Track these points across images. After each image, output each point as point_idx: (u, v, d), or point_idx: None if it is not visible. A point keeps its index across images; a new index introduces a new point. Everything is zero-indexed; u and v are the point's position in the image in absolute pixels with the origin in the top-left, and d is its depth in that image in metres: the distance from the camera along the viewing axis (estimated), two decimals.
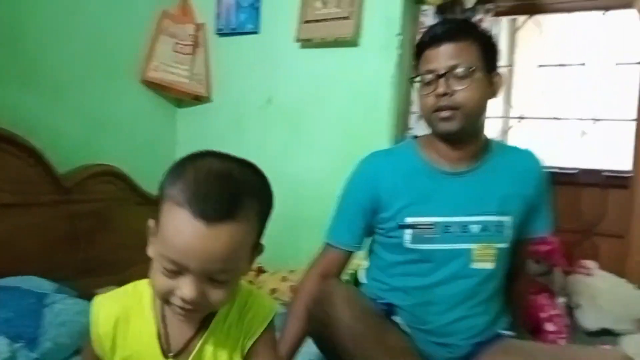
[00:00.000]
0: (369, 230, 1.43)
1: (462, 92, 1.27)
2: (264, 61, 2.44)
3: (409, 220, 1.34)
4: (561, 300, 1.87)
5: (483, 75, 1.30)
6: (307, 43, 2.30)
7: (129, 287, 0.93)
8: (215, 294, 0.80)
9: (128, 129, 2.38)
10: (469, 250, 1.33)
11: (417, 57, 1.36)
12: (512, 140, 2.36)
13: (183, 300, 0.79)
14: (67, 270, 1.79)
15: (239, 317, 0.91)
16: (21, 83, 1.91)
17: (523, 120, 2.20)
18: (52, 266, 1.73)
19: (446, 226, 1.32)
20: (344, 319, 1.19)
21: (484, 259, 1.33)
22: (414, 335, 1.37)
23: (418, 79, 1.35)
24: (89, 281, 1.71)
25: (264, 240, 0.87)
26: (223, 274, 0.79)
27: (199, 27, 2.55)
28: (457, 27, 1.33)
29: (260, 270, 2.34)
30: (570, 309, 1.85)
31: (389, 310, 1.38)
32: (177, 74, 2.47)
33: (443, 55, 1.28)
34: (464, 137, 1.33)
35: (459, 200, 1.33)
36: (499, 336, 1.39)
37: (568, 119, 2.10)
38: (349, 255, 1.44)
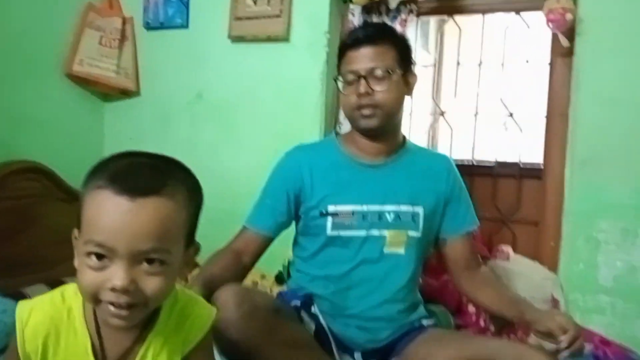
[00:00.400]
0: (287, 220, 1.50)
1: (381, 92, 1.39)
2: (194, 56, 2.42)
3: (331, 208, 1.43)
4: None
5: (400, 76, 1.42)
6: (238, 39, 2.30)
7: (56, 297, 0.86)
8: (151, 284, 0.76)
9: (53, 125, 2.31)
10: (383, 236, 1.43)
11: (340, 57, 1.47)
12: (438, 135, 2.49)
13: (114, 290, 0.74)
14: None
15: (177, 325, 0.88)
16: None
17: (446, 115, 2.30)
18: None
19: (363, 214, 1.43)
20: (231, 318, 1.16)
21: (396, 245, 1.44)
22: (335, 322, 1.44)
23: (340, 78, 1.45)
24: (13, 280, 1.66)
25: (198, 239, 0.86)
26: (155, 254, 0.76)
27: (126, 20, 2.49)
28: (376, 31, 1.45)
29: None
30: None
31: (307, 302, 1.43)
32: (103, 68, 2.41)
33: (363, 58, 1.40)
34: (382, 132, 1.45)
35: (375, 190, 1.44)
36: (421, 327, 1.49)
37: (487, 114, 2.22)
38: (263, 240, 1.48)
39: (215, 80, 2.38)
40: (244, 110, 2.33)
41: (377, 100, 1.39)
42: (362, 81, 1.39)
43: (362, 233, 1.43)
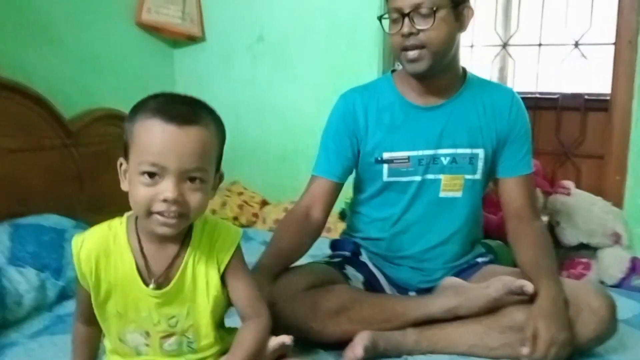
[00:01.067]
0: (353, 163, 1.49)
1: (427, 31, 1.31)
2: None
3: (386, 155, 1.43)
4: (544, 219, 1.99)
5: (448, 12, 1.33)
6: None
7: (104, 227, 0.98)
8: (194, 197, 0.89)
9: (126, 71, 2.43)
10: (438, 180, 1.43)
11: None
12: (506, 66, 2.41)
13: (166, 201, 0.87)
14: (76, 209, 1.93)
15: (209, 243, 0.99)
16: (17, 31, 1.96)
17: (508, 48, 2.24)
18: (61, 205, 1.85)
19: (419, 159, 1.42)
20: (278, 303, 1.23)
21: (452, 189, 1.44)
22: (388, 265, 1.49)
23: (386, 16, 1.38)
24: (99, 217, 1.85)
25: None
26: (198, 172, 0.89)
27: None
28: None
29: (264, 203, 2.49)
30: (552, 227, 1.98)
31: (356, 251, 1.50)
32: (170, 15, 2.52)
33: None
34: (435, 73, 1.38)
35: (431, 134, 1.42)
36: (476, 264, 1.49)
37: (551, 44, 2.14)
38: (333, 186, 1.47)
39: (274, 21, 2.44)
40: (302, 48, 2.38)
41: (423, 40, 1.31)
42: (406, 20, 1.31)
43: (417, 178, 1.43)
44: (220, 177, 0.99)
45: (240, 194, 2.50)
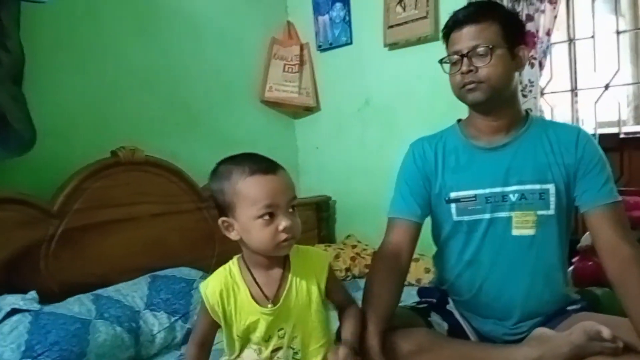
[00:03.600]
0: (427, 203, 1.53)
1: (484, 68, 1.39)
2: (359, 67, 2.72)
3: (453, 194, 1.48)
4: None
5: (504, 51, 1.40)
6: (393, 46, 2.52)
7: (221, 269, 1.25)
8: (296, 222, 1.16)
9: (255, 142, 2.70)
10: (509, 217, 1.43)
11: (446, 40, 1.50)
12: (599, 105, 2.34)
13: (285, 230, 1.12)
14: (207, 262, 2.23)
15: (306, 266, 1.24)
16: (164, 117, 2.41)
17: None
18: (195, 259, 2.19)
19: (487, 197, 1.44)
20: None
21: (524, 226, 1.43)
22: (475, 315, 1.50)
23: (446, 60, 1.49)
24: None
25: None
26: (295, 201, 1.16)
27: (302, 47, 2.91)
28: (476, 9, 1.44)
29: None
30: None
31: (443, 299, 1.54)
32: (288, 91, 2.86)
33: (465, 37, 1.41)
34: (494, 107, 1.45)
35: (497, 172, 1.44)
36: (564, 313, 1.43)
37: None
38: (414, 227, 1.50)
39: (378, 87, 2.65)
40: (405, 111, 2.54)
41: (481, 76, 1.40)
42: (465, 60, 1.40)
43: (486, 215, 1.44)
44: None
45: (354, 246, 2.66)
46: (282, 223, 1.13)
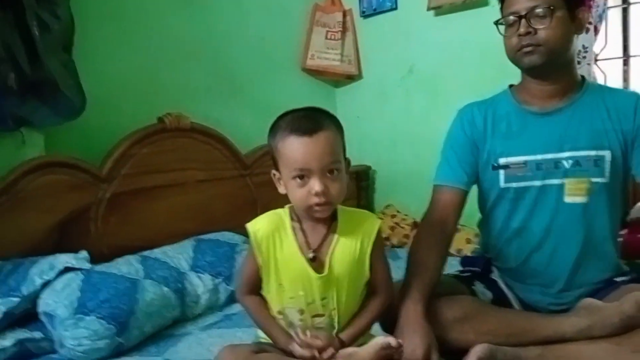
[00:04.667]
0: (474, 170, 1.50)
1: (543, 30, 1.34)
2: (404, 34, 2.67)
3: (502, 160, 1.44)
4: None
5: (564, 13, 1.35)
6: (439, 10, 2.45)
7: (271, 213, 1.24)
8: (334, 187, 1.13)
9: None
10: (561, 185, 1.39)
11: (501, 1, 1.45)
12: None
13: (317, 194, 1.10)
14: None
15: (353, 227, 1.21)
16: (209, 86, 2.43)
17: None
18: (238, 224, 2.18)
19: (538, 164, 1.40)
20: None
21: (576, 194, 1.38)
22: (520, 284, 1.48)
23: (502, 21, 1.43)
24: None
25: None
26: (332, 165, 1.12)
27: (345, 13, 2.86)
28: None
29: (415, 225, 2.57)
30: None
31: (486, 268, 1.52)
32: (330, 59, 2.83)
33: None
34: (551, 72, 1.40)
35: (550, 138, 1.40)
36: (613, 284, 1.40)
37: None
38: (460, 195, 1.48)
39: (423, 54, 2.59)
40: (451, 78, 2.48)
41: (539, 39, 1.34)
42: (523, 21, 1.35)
43: (537, 183, 1.41)
44: (348, 162, 1.21)
45: (394, 216, 2.65)
46: (315, 187, 1.11)
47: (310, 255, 1.18)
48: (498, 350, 1.30)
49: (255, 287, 1.24)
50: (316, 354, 1.15)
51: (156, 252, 1.87)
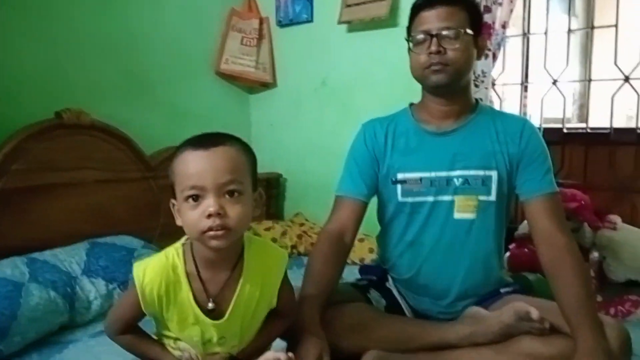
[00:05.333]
0: (374, 183, 1.55)
1: (452, 51, 1.40)
2: (318, 46, 2.70)
3: (400, 176, 1.50)
4: (594, 255, 1.94)
5: (470, 38, 1.43)
6: (352, 26, 2.52)
7: (161, 257, 1.09)
8: (234, 210, 0.99)
9: (207, 116, 2.71)
10: (451, 201, 1.47)
11: (412, 18, 1.49)
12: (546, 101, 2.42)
13: (210, 216, 0.97)
14: (151, 233, 2.21)
15: (261, 268, 1.12)
16: (116, 83, 2.34)
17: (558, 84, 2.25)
18: (140, 228, 2.15)
19: (432, 180, 1.47)
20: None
21: (465, 210, 1.46)
22: (412, 294, 1.54)
23: (411, 39, 1.48)
24: (169, 242, 2.10)
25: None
26: (232, 185, 0.99)
27: (262, 20, 2.86)
28: None
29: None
30: (600, 263, 1.92)
31: (382, 277, 1.58)
32: (245, 65, 2.82)
33: (437, 17, 1.41)
34: (452, 92, 1.47)
35: (443, 156, 1.47)
36: (497, 294, 1.49)
37: (601, 80, 2.12)
38: (360, 206, 1.52)
39: (336, 67, 2.64)
40: (362, 93, 2.54)
41: (448, 59, 1.40)
42: (434, 40, 1.40)
43: (430, 198, 1.47)
44: (260, 195, 1.10)
45: (302, 225, 2.67)
46: (209, 208, 0.98)
47: (210, 306, 1.08)
48: (389, 357, 1.35)
49: (132, 328, 1.15)
50: None
51: (45, 254, 1.77)
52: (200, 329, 1.10)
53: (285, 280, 1.18)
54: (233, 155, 1.02)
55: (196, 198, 0.99)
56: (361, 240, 2.37)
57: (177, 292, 1.08)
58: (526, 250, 2.00)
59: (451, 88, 1.46)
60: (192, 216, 1.00)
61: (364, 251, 2.38)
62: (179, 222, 1.05)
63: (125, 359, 1.31)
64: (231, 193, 1.00)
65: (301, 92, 2.81)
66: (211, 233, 0.99)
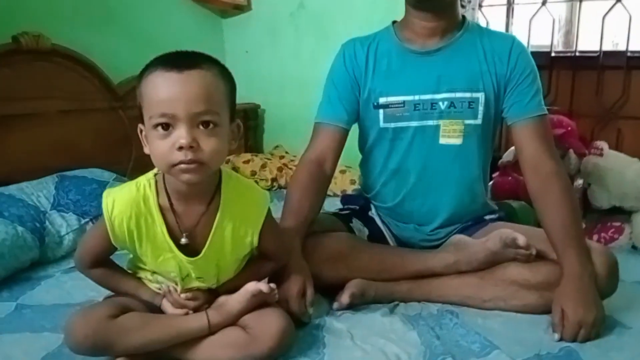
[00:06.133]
0: (355, 108, 1.47)
1: None
2: None
3: (382, 100, 1.42)
4: (579, 181, 1.92)
5: None
6: None
7: (132, 187, 1.02)
8: (208, 143, 0.91)
9: (178, 42, 2.44)
10: (437, 126, 1.41)
11: None
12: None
13: (181, 148, 0.89)
14: (122, 167, 2.11)
15: (240, 207, 1.04)
16: (77, 9, 2.15)
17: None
18: (110, 162, 2.04)
19: (415, 104, 1.40)
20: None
21: (451, 135, 1.41)
22: (395, 222, 1.51)
23: None
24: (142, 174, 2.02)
25: None
26: (208, 115, 0.91)
27: None
28: None
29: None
30: (585, 190, 1.90)
31: (365, 206, 1.54)
32: None
33: None
34: (437, 7, 1.38)
35: (427, 78, 1.40)
36: (482, 221, 1.46)
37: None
38: (340, 133, 1.46)
39: None
40: (342, 17, 2.42)
41: None
42: None
43: (414, 123, 1.40)
44: (238, 127, 1.02)
45: (282, 157, 2.60)
46: (181, 139, 0.89)
47: (183, 241, 1.02)
48: (371, 285, 1.33)
49: (103, 261, 1.08)
50: (189, 311, 1.06)
51: (11, 189, 1.66)
52: (177, 263, 1.04)
53: (271, 222, 1.11)
54: (210, 81, 0.92)
55: (166, 127, 0.90)
56: (342, 171, 2.32)
57: (149, 226, 1.01)
58: (510, 178, 1.97)
59: (437, 2, 1.37)
60: (162, 147, 0.91)
61: (345, 183, 2.32)
62: (146, 150, 0.97)
63: (100, 293, 1.27)
64: (206, 124, 0.91)
65: (277, 17, 2.66)
66: (182, 166, 0.91)
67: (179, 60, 0.92)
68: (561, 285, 1.21)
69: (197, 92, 0.90)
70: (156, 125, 0.90)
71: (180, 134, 0.89)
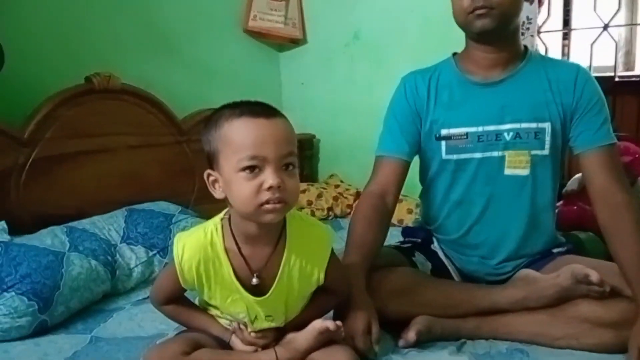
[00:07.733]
0: (416, 140, 1.47)
1: None
2: None
3: (444, 132, 1.42)
4: None
5: None
6: None
7: (200, 234, 1.06)
8: (291, 183, 0.97)
9: (236, 75, 2.64)
10: (502, 157, 1.39)
11: None
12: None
13: (270, 189, 0.93)
14: (186, 198, 2.18)
15: (305, 244, 1.07)
16: (140, 44, 2.27)
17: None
18: (175, 194, 2.12)
19: (479, 135, 1.39)
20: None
21: (517, 166, 1.38)
22: (459, 255, 1.48)
23: None
24: (206, 207, 2.06)
25: None
26: (291, 158, 0.97)
27: None
28: None
29: (359, 195, 2.54)
30: None
31: (427, 239, 1.52)
32: (273, 21, 2.70)
33: None
34: (499, 39, 1.36)
35: (491, 109, 1.38)
36: (550, 255, 1.43)
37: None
38: (402, 165, 1.46)
39: (369, 20, 2.52)
40: (395, 46, 2.43)
41: (493, 2, 1.29)
42: None
43: (477, 155, 1.39)
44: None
45: (337, 186, 2.62)
46: (269, 180, 0.93)
47: (254, 281, 1.05)
48: (437, 321, 1.31)
49: (175, 299, 1.14)
50: (258, 348, 1.09)
51: (84, 223, 1.75)
52: (245, 304, 1.07)
53: (334, 259, 1.13)
54: (290, 127, 1.01)
55: (253, 168, 0.94)
56: (399, 201, 2.30)
57: (216, 269, 1.05)
58: (575, 207, 1.91)
59: (498, 34, 1.35)
60: (249, 188, 0.95)
61: (402, 212, 2.31)
62: (218, 195, 1.01)
63: (169, 326, 1.31)
64: (288, 166, 0.98)
65: (332, 48, 2.70)
66: (268, 206, 0.95)
67: (262, 109, 0.99)
68: (638, 323, 1.16)
69: (284, 136, 0.97)
70: (244, 168, 0.94)
71: (270, 175, 0.94)
